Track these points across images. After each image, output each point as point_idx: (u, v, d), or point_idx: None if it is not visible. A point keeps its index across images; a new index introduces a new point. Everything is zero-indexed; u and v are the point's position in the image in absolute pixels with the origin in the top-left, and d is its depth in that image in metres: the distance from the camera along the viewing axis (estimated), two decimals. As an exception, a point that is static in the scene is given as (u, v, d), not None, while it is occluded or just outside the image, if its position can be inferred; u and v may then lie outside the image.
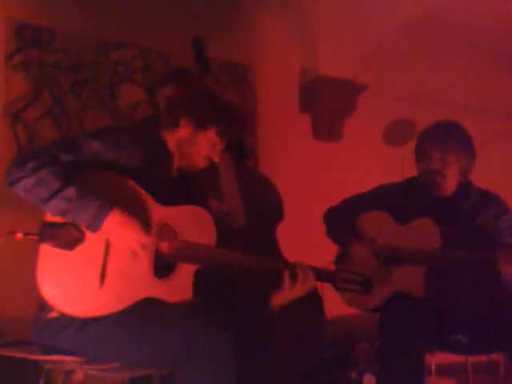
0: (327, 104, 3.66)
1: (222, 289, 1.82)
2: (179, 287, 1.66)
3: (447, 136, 2.18)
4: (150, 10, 3.17)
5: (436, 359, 2.26)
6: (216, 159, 1.82)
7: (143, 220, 1.61)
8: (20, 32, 2.87)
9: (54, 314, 1.60)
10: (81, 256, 1.57)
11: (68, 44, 2.98)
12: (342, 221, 2.34)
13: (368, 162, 3.62)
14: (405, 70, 3.88)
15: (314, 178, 3.48)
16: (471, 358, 2.34)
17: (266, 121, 3.50)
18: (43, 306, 1.59)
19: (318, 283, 2.25)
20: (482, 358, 2.33)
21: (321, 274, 1.88)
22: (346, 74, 3.62)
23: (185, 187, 1.81)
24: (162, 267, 1.65)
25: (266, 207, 2.40)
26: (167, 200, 1.69)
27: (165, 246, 1.68)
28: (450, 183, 2.20)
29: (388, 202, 2.28)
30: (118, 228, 1.57)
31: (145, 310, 1.60)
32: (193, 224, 1.71)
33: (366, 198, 2.39)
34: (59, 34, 2.95)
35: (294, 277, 1.76)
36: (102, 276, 1.57)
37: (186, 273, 1.68)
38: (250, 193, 2.37)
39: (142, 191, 1.65)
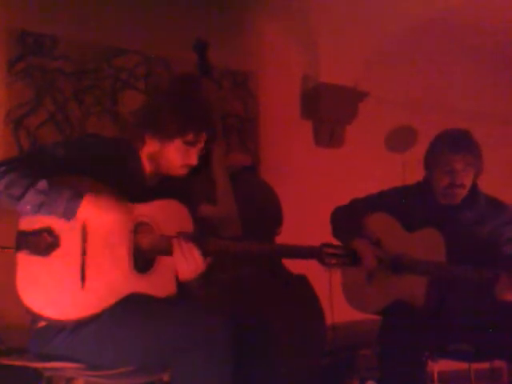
0: (329, 110, 3.67)
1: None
2: (161, 280, 1.67)
3: (466, 146, 2.13)
4: (152, 17, 3.19)
5: (438, 367, 2.25)
6: (194, 163, 1.77)
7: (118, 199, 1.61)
8: (22, 39, 2.88)
9: (43, 324, 1.60)
10: (58, 260, 1.57)
11: (70, 51, 2.99)
12: (347, 220, 2.31)
13: (369, 168, 3.62)
14: (406, 76, 3.89)
15: (315, 185, 3.47)
16: (474, 366, 2.33)
17: (267, 127, 3.50)
18: (33, 316, 1.59)
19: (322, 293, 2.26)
20: (485, 365, 2.32)
21: (306, 251, 1.83)
22: (347, 81, 3.62)
23: (163, 192, 1.77)
24: (142, 262, 1.66)
25: (264, 212, 2.39)
26: (141, 198, 1.69)
27: (143, 242, 1.68)
28: (465, 192, 2.17)
29: (396, 205, 2.26)
30: (94, 210, 1.57)
31: (136, 309, 1.61)
32: (169, 217, 1.71)
33: (375, 199, 2.36)
34: (61, 40, 2.96)
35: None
36: (83, 276, 1.58)
37: (166, 266, 1.68)
38: (248, 198, 2.37)
39: (114, 191, 1.65)
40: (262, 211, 2.38)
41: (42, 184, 1.54)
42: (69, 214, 1.56)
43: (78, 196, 1.56)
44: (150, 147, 1.77)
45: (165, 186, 1.81)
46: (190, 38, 2.69)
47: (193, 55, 2.66)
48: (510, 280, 1.92)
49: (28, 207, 1.54)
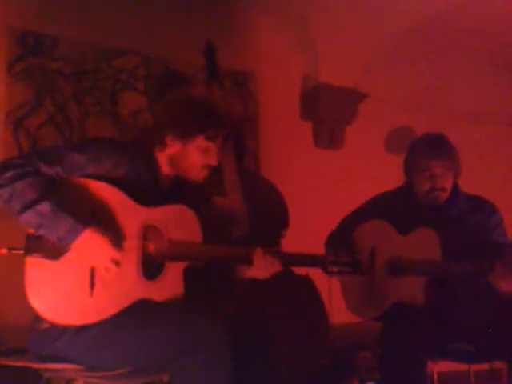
0: (328, 111, 3.67)
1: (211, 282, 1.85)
2: (170, 286, 1.66)
3: (443, 151, 2.19)
4: (152, 18, 3.19)
5: (438, 367, 2.25)
6: (214, 163, 1.79)
7: (116, 232, 1.60)
8: (22, 40, 2.88)
9: (46, 325, 1.60)
10: (68, 265, 1.56)
11: (70, 51, 2.99)
12: (339, 241, 2.35)
13: (369, 169, 3.62)
14: (406, 77, 3.89)
15: (315, 186, 3.47)
16: (474, 366, 2.33)
17: (267, 128, 3.50)
18: (36, 317, 1.58)
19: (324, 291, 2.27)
20: (485, 366, 2.32)
21: (309, 260, 1.87)
22: (347, 82, 3.62)
23: (179, 196, 1.78)
24: (151, 268, 1.65)
25: (271, 214, 2.40)
26: (152, 202, 1.69)
27: (152, 247, 1.67)
28: (447, 194, 2.22)
29: (385, 212, 2.29)
30: (88, 247, 1.55)
31: (140, 312, 1.61)
32: (177, 222, 1.71)
33: (362, 211, 2.40)
34: (61, 41, 2.96)
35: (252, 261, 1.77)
36: (92, 283, 1.57)
37: (174, 271, 1.68)
38: (256, 199, 2.37)
39: (123, 195, 1.64)
40: (269, 213, 2.39)
41: (44, 207, 1.51)
42: (65, 243, 1.54)
43: (78, 229, 1.53)
44: (171, 149, 1.76)
45: (177, 191, 1.81)
46: (190, 39, 2.69)
47: (193, 56, 2.67)
48: (505, 269, 1.95)
49: (27, 224, 1.53)
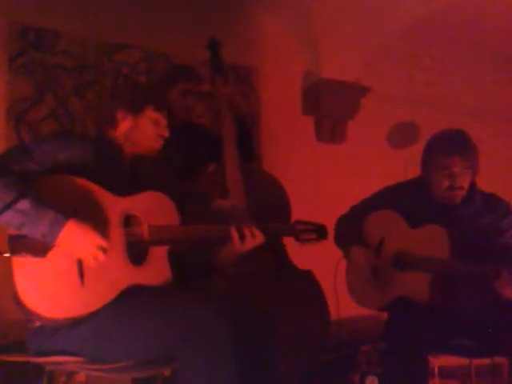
0: (330, 106, 3.66)
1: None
2: (157, 270, 1.71)
3: (463, 149, 2.14)
4: (154, 13, 3.18)
5: (439, 362, 2.25)
6: (166, 134, 1.87)
7: (99, 223, 1.61)
8: (23, 34, 2.88)
9: (39, 323, 1.60)
10: (55, 260, 1.56)
11: (71, 46, 2.98)
12: (348, 226, 2.34)
13: (371, 164, 3.62)
14: (408, 72, 3.88)
15: (317, 180, 3.47)
16: (475, 361, 2.33)
17: (269, 122, 3.50)
18: (28, 316, 1.58)
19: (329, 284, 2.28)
20: (486, 360, 2.32)
21: (283, 230, 2.01)
22: (349, 77, 3.62)
23: (140, 174, 1.86)
24: (136, 255, 1.69)
25: (273, 208, 2.40)
26: (125, 191, 1.73)
27: (133, 234, 1.70)
28: (464, 193, 2.18)
29: (397, 203, 2.27)
30: (73, 238, 1.55)
31: (132, 300, 1.62)
32: (154, 208, 1.76)
33: (374, 200, 2.38)
34: (62, 36, 2.95)
35: (242, 235, 1.83)
36: (81, 274, 1.58)
37: (159, 255, 1.73)
38: (258, 194, 2.37)
39: (98, 187, 1.66)
40: (271, 208, 2.39)
41: (23, 204, 1.50)
42: (49, 238, 1.53)
43: (61, 221, 1.53)
44: (123, 125, 1.82)
45: (146, 178, 1.87)
46: (192, 34, 2.68)
47: (195, 51, 2.66)
48: (511, 276, 1.93)
49: (9, 225, 1.52)
